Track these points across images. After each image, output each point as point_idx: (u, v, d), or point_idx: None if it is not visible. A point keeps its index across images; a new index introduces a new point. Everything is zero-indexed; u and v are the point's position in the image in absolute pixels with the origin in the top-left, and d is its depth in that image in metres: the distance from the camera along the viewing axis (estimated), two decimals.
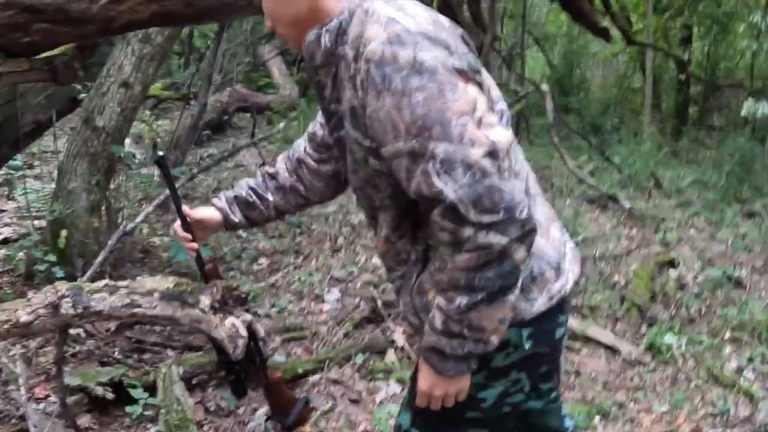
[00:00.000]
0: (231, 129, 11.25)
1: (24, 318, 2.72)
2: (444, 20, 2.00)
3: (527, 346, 2.16)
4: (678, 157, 15.17)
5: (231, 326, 2.44)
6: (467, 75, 1.87)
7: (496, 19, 9.98)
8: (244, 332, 2.43)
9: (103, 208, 5.59)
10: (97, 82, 5.44)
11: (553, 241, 2.22)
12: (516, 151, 2.13)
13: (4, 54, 3.30)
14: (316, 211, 7.22)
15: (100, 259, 4.42)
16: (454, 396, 2.14)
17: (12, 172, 5.78)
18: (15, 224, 6.62)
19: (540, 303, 2.14)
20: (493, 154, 1.80)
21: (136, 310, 2.63)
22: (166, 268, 5.72)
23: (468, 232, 1.81)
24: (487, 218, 1.79)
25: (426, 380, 2.12)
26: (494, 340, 2.00)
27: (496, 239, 1.81)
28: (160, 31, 5.38)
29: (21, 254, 5.50)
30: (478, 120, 1.83)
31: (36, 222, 5.91)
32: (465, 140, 1.79)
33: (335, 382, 4.53)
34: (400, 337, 4.93)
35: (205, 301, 2.50)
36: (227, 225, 2.61)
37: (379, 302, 5.35)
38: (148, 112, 9.94)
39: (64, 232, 5.11)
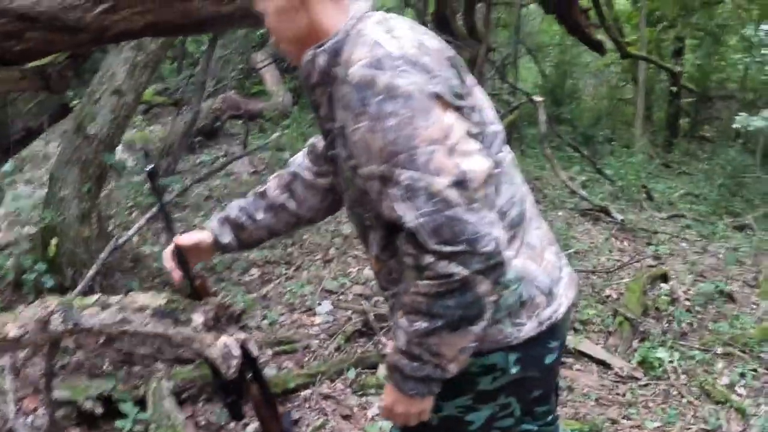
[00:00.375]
0: (223, 136, 11.17)
1: (13, 333, 2.68)
2: (432, 43, 1.98)
3: (514, 370, 2.14)
4: (669, 168, 15.21)
5: (224, 346, 2.40)
6: (445, 101, 1.86)
7: (490, 30, 9.96)
8: (237, 352, 2.39)
9: (94, 216, 5.54)
10: (89, 90, 5.39)
11: (546, 265, 2.19)
12: (510, 175, 2.14)
13: None
14: None
15: (91, 273, 4.38)
16: (416, 415, 2.13)
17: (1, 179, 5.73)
18: (4, 230, 6.56)
19: (528, 328, 2.12)
20: (460, 184, 1.80)
21: (127, 327, 2.59)
22: (156, 277, 5.68)
23: (428, 259, 1.82)
24: (447, 248, 1.80)
25: (388, 396, 2.13)
26: (452, 368, 1.99)
27: (457, 270, 1.81)
28: (154, 39, 5.34)
29: (10, 262, 5.44)
30: (450, 148, 1.82)
31: (26, 229, 5.85)
32: (430, 168, 1.79)
33: (327, 397, 4.48)
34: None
35: (198, 319, 2.45)
36: (219, 247, 2.58)
37: (371, 315, 5.31)
38: (140, 118, 9.92)
39: (54, 241, 5.06)
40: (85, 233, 5.28)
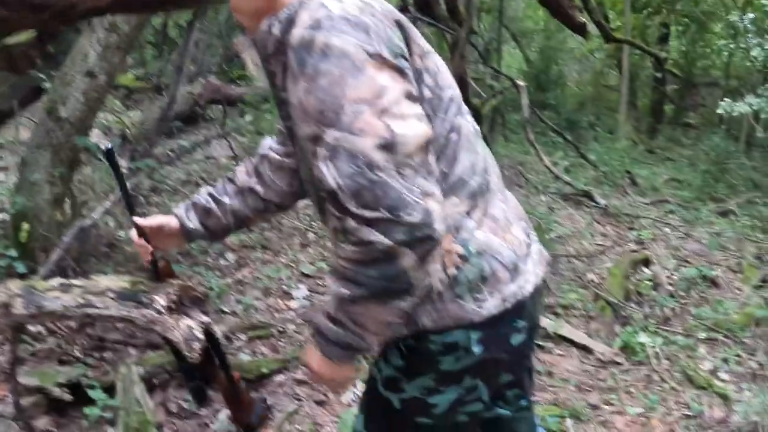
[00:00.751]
0: (204, 121, 11.10)
1: None
2: (378, 5, 1.92)
3: (477, 350, 2.04)
4: (653, 154, 15.23)
5: (187, 328, 2.33)
6: (384, 60, 1.78)
7: (472, 13, 9.89)
8: (200, 335, 2.32)
9: (68, 201, 5.46)
10: (61, 72, 5.29)
11: (511, 240, 2.10)
12: (471, 143, 2.08)
13: None
14: None
15: (54, 257, 4.28)
16: (341, 383, 2.13)
17: None
18: None
19: (490, 305, 2.02)
20: (388, 147, 1.71)
21: (90, 310, 2.52)
22: (131, 262, 5.59)
23: (351, 223, 1.73)
24: (367, 213, 1.71)
25: (310, 358, 2.07)
26: (372, 341, 1.94)
27: (378, 238, 1.71)
28: (127, 20, 5.22)
29: None
30: (382, 109, 1.73)
31: None
32: (354, 129, 1.71)
33: (301, 382, 4.40)
34: None
35: (160, 301, 2.38)
36: (185, 234, 2.49)
37: None
38: (118, 103, 9.82)
39: (26, 226, 4.97)
40: (57, 218, 5.19)
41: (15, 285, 2.66)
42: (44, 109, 5.28)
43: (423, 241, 1.74)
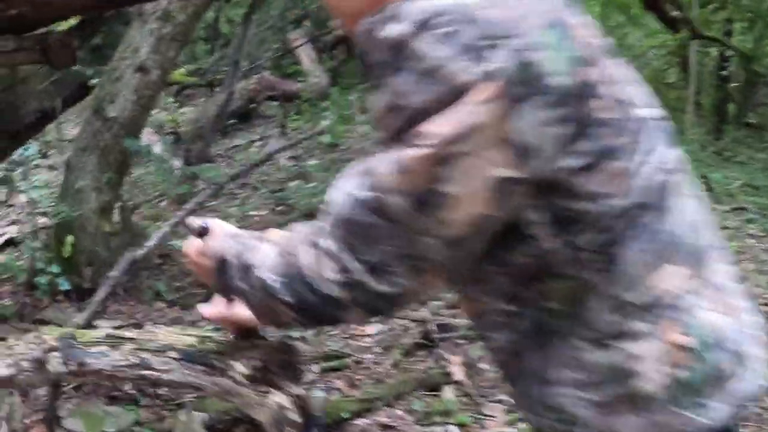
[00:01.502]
0: (258, 118, 10.81)
1: (3, 371, 2.10)
2: None
3: None
4: (721, 156, 14.65)
5: (276, 406, 1.77)
6: (493, 85, 1.20)
7: None
8: (295, 416, 1.76)
9: (116, 208, 5.08)
10: (109, 67, 4.91)
11: (739, 317, 1.47)
12: (678, 184, 1.43)
13: None
14: None
15: (101, 296, 3.78)
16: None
17: (13, 166, 5.21)
18: (23, 222, 6.10)
19: (716, 415, 1.39)
20: (419, 202, 1.24)
21: (145, 372, 1.99)
22: (186, 277, 5.15)
23: (331, 246, 1.33)
24: (343, 255, 1.32)
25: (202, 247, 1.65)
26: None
27: (333, 284, 1.34)
28: (182, 9, 4.80)
29: (23, 261, 5.02)
30: (446, 156, 1.21)
31: (43, 220, 5.41)
32: (398, 165, 1.24)
33: (386, 427, 3.86)
34: (458, 370, 4.25)
35: (239, 367, 1.84)
36: None
37: (432, 325, 4.70)
38: (171, 100, 9.52)
39: (70, 238, 4.62)
40: (105, 228, 4.83)
41: (51, 335, 2.15)
42: (91, 108, 4.96)
43: (378, 310, 1.40)
